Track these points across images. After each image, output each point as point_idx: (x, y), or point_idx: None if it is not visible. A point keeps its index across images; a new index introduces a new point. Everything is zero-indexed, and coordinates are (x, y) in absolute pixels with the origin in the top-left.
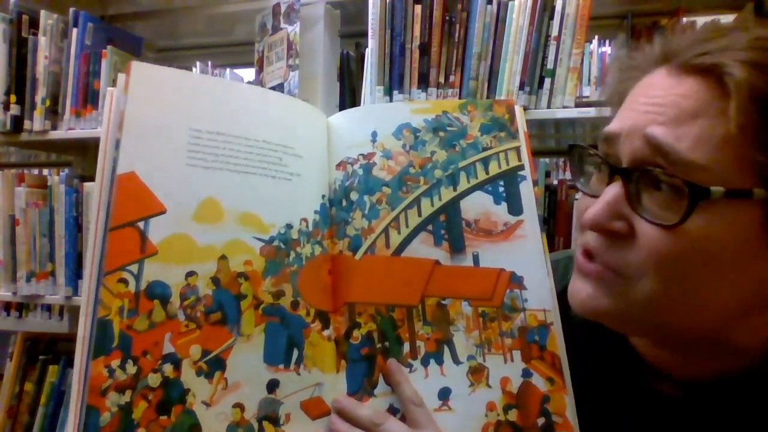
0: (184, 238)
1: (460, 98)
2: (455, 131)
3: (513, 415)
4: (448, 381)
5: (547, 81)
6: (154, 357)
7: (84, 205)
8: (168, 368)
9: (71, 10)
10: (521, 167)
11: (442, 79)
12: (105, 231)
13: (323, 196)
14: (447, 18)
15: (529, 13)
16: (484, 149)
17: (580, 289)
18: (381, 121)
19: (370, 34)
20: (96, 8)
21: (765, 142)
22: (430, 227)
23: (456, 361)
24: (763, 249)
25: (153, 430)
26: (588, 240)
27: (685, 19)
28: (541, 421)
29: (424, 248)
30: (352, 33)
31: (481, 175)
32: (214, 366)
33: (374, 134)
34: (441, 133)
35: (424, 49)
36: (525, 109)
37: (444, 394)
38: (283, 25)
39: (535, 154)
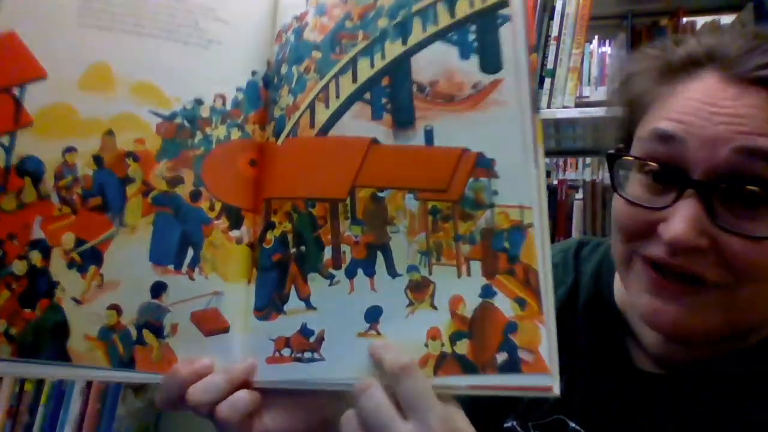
0: (66, 108)
1: None
2: None
3: (463, 347)
4: (380, 298)
5: (547, 81)
6: (20, 242)
7: None
8: (35, 256)
9: None
10: (503, 3)
11: None
12: None
13: (254, 73)
14: None
15: None
16: None
17: (668, 311)
18: None
19: None
20: None
21: None
22: (367, 96)
23: (392, 272)
24: None
25: (15, 323)
26: (656, 253)
27: (685, 20)
28: (501, 357)
29: (358, 124)
30: None
31: (444, 20)
32: (89, 259)
33: None
34: None
35: None
36: None
37: (373, 315)
38: None
39: None
